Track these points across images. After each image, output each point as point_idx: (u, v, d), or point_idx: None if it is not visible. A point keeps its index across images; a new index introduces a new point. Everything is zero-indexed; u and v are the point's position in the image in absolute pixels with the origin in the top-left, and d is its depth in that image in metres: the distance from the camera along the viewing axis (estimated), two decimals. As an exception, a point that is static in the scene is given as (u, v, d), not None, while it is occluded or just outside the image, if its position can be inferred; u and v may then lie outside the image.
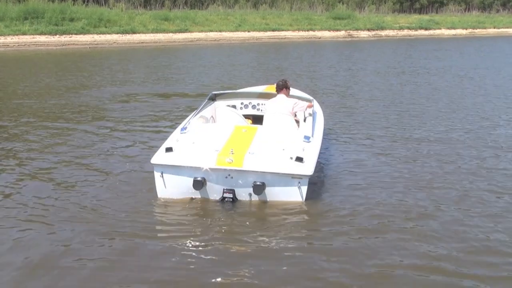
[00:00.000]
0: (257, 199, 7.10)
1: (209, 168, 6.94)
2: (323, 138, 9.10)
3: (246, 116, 9.84)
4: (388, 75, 22.88)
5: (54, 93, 16.92)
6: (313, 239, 6.30)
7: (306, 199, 7.12)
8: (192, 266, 5.59)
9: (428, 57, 32.11)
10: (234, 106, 10.01)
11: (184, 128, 8.06)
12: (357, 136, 11.35)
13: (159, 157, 7.16)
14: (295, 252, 5.94)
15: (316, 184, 7.87)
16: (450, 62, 28.85)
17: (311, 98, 9.98)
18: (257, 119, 9.68)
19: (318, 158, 8.03)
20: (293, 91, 11.22)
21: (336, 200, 7.44)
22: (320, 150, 8.23)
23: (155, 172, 7.15)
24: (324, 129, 9.20)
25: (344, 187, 8.06)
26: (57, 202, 7.25)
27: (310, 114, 9.02)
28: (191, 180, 6.97)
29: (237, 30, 46.70)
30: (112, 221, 6.61)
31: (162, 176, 7.09)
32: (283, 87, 9.21)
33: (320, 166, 8.63)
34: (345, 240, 6.24)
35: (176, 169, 7.05)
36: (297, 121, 9.12)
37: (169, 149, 7.16)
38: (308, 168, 7.00)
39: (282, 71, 23.92)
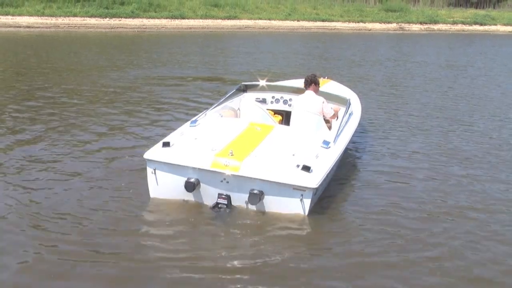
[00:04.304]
0: (254, 208, 6.25)
1: (200, 169, 6.21)
2: (353, 142, 8.02)
3: (278, 112, 9.00)
4: (445, 71, 22.10)
5: (95, 72, 16.97)
6: (310, 265, 5.37)
7: (311, 213, 6.21)
8: (172, 283, 4.92)
9: (482, 52, 31.03)
10: (264, 100, 9.22)
11: (194, 121, 7.42)
12: (392, 141, 9.91)
13: (152, 152, 6.52)
14: (287, 278, 5.09)
15: (327, 196, 6.85)
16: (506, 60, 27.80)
17: (348, 97, 8.73)
18: (289, 116, 8.53)
19: (338, 165, 7.12)
20: (335, 85, 10.51)
21: (346, 218, 6.42)
22: (342, 156, 7.27)
23: (147, 168, 6.51)
24: (354, 133, 8.08)
25: (359, 203, 6.87)
26: (54, 189, 6.85)
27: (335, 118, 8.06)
28: (183, 181, 6.28)
29: (286, 19, 46.21)
30: (94, 220, 6.02)
31: (155, 173, 6.45)
32: (311, 83, 8.19)
33: (337, 175, 7.50)
34: (348, 269, 5.29)
35: (168, 167, 6.37)
36: (328, 121, 8.20)
37: (166, 144, 6.53)
38: (313, 179, 6.06)
39: (333, 61, 23.47)
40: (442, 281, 5.13)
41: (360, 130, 9.96)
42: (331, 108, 8.20)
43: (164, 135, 7.31)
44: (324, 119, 8.07)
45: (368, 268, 5.29)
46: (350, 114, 8.27)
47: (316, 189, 6.15)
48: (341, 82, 11.47)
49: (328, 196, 6.90)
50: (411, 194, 7.22)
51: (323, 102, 8.06)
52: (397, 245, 5.77)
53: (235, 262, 5.29)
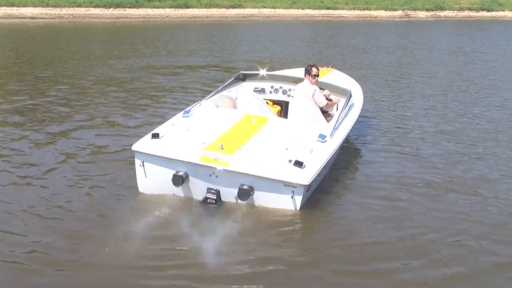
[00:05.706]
0: (244, 204, 6.01)
1: (189, 163, 5.99)
2: (353, 130, 7.83)
3: (276, 102, 8.78)
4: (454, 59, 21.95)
5: (99, 62, 16.92)
6: (301, 264, 5.15)
7: (303, 208, 5.97)
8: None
9: (490, 38, 30.80)
10: (263, 89, 9.02)
11: (187, 111, 7.20)
12: (395, 131, 9.65)
13: (141, 144, 6.30)
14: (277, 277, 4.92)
15: (321, 189, 6.56)
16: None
17: (349, 89, 8.34)
18: (288, 106, 8.33)
19: (334, 160, 6.93)
20: (338, 74, 10.27)
21: (340, 214, 6.16)
22: (339, 151, 7.01)
23: (135, 160, 6.30)
24: (353, 126, 7.78)
25: (356, 199, 6.62)
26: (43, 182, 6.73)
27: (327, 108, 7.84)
28: (172, 174, 6.07)
29: (291, 7, 45.97)
30: (77, 211, 5.92)
31: (143, 165, 6.24)
32: (305, 72, 7.98)
33: (333, 169, 7.28)
34: (340, 267, 5.12)
35: (157, 160, 6.15)
36: (330, 114, 8.08)
37: (155, 135, 6.33)
38: (305, 176, 5.80)
39: (339, 49, 23.37)
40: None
41: (362, 118, 9.75)
42: (324, 96, 7.98)
43: (161, 123, 7.14)
44: (324, 111, 7.92)
45: (361, 263, 5.18)
46: (350, 106, 7.97)
47: (308, 186, 5.90)
48: (346, 70, 11.37)
49: (323, 189, 6.66)
50: (412, 186, 7.04)
51: (315, 91, 7.82)
52: (391, 240, 5.61)
53: (222, 260, 5.08)
